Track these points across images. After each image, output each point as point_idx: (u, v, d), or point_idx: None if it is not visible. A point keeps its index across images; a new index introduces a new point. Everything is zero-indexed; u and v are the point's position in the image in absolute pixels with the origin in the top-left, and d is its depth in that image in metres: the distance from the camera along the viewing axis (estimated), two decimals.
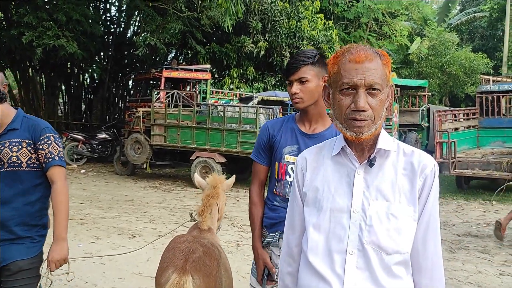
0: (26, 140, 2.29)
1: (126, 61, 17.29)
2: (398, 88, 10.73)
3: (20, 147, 2.27)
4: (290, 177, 2.21)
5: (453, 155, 9.39)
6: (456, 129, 10.94)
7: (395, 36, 20.96)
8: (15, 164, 2.27)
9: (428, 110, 11.69)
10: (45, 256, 2.43)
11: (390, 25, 21.07)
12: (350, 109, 1.38)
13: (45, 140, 2.31)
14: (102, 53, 16.30)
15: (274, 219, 2.28)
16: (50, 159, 2.32)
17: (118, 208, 7.94)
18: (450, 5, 28.65)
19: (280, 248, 2.00)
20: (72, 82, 17.18)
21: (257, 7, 13.59)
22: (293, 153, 2.21)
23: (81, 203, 8.22)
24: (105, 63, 16.49)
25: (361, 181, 1.45)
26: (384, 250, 1.39)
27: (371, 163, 1.44)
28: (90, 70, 14.38)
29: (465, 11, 29.67)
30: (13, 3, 13.35)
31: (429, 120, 11.52)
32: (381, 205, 1.41)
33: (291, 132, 2.24)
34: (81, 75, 17.09)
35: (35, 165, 2.32)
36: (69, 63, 16.03)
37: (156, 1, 12.13)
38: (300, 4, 14.79)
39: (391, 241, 1.39)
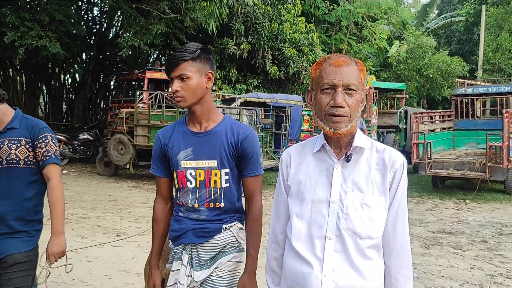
0: (24, 139, 2.41)
1: (108, 61, 17.26)
2: (377, 91, 11.03)
3: (19, 145, 2.39)
4: (191, 183, 2.06)
5: (429, 156, 9.71)
6: (432, 130, 11.31)
7: (375, 39, 21.39)
8: (13, 161, 2.39)
9: (406, 112, 12.04)
10: (42, 250, 2.56)
11: (369, 28, 21.50)
12: (329, 106, 1.58)
13: (43, 139, 2.44)
14: (84, 54, 16.26)
15: (177, 231, 2.09)
16: (47, 157, 2.45)
17: (102, 208, 8.01)
18: (428, 9, 29.32)
19: (182, 261, 2.04)
20: (53, 82, 17.07)
21: (240, 9, 13.76)
22: (188, 158, 2.06)
23: (65, 203, 8.23)
24: (87, 63, 16.46)
25: (339, 175, 1.64)
26: (359, 235, 1.58)
27: (348, 159, 1.64)
28: (72, 71, 14.31)
29: (442, 16, 30.43)
30: None
31: (406, 122, 11.86)
32: (356, 196, 1.61)
33: (183, 136, 2.09)
34: (62, 75, 17.00)
35: (32, 162, 2.44)
36: (50, 64, 15.95)
37: (140, 2, 12.20)
38: (282, 7, 15.03)
39: (364, 228, 1.59)
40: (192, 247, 2.06)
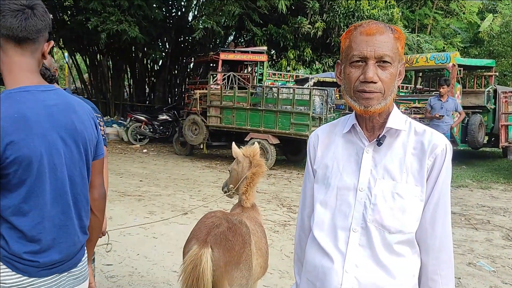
0: None
1: (186, 44, 17.71)
2: (461, 68, 10.18)
3: None
4: None
5: None
6: None
7: (464, 13, 19.83)
8: None
9: (495, 91, 11.03)
10: None
11: (458, 1, 19.94)
12: (359, 81, 1.40)
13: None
14: (164, 37, 16.80)
15: None
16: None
17: (174, 186, 8.28)
18: None
19: None
20: (136, 66, 17.92)
21: None
22: None
23: (140, 181, 8.65)
24: (166, 47, 17.01)
25: (369, 159, 1.46)
26: (387, 228, 1.40)
27: (379, 142, 1.45)
28: (152, 54, 14.86)
29: None
30: None
31: (495, 102, 10.87)
32: (387, 184, 1.42)
33: None
34: (144, 59, 17.76)
35: None
36: (133, 48, 16.72)
37: None
38: None
39: (394, 220, 1.40)
40: None
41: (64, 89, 2.60)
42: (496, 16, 21.60)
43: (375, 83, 1.38)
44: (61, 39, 16.43)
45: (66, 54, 20.13)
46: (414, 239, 1.43)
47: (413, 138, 1.47)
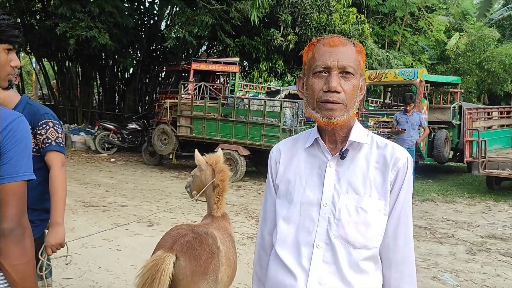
0: None
1: (158, 53, 17.55)
2: (428, 84, 10.43)
3: None
4: None
5: (483, 154, 9.08)
6: (489, 127, 10.58)
7: (432, 31, 20.39)
8: None
9: (460, 107, 11.33)
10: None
11: (426, 19, 20.51)
12: (322, 91, 1.37)
13: (44, 126, 2.37)
14: (135, 45, 16.61)
15: None
16: (47, 145, 2.37)
17: (141, 196, 8.11)
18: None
19: None
20: (106, 73, 17.62)
21: (287, 0, 13.49)
22: None
23: (106, 191, 8.43)
24: (138, 55, 16.81)
25: (332, 173, 1.43)
26: (352, 244, 1.37)
27: (342, 156, 1.43)
28: (122, 62, 14.65)
29: (508, 6, 28.49)
30: None
31: (461, 118, 11.17)
32: (351, 198, 1.40)
33: None
34: (115, 67, 17.49)
35: (34, 149, 2.36)
36: (103, 55, 16.45)
37: None
38: None
39: (359, 235, 1.38)
40: None
41: (21, 96, 2.49)
42: (462, 35, 22.30)
43: (339, 93, 1.36)
44: (28, 44, 16.03)
45: (33, 59, 19.64)
46: (378, 254, 1.42)
47: (376, 151, 1.45)
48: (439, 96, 12.47)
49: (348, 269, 1.37)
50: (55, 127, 2.43)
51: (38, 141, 2.38)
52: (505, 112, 11.29)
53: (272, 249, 1.53)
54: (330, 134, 1.46)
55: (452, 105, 11.24)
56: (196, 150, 3.35)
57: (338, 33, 14.40)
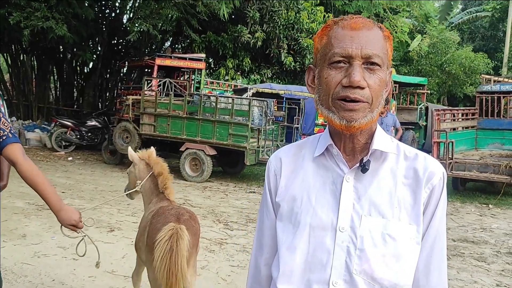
0: None
1: (120, 47, 16.88)
2: (397, 85, 10.41)
3: None
4: None
5: (450, 156, 9.10)
6: (454, 129, 10.65)
7: (396, 32, 20.60)
8: None
9: (427, 108, 11.40)
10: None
11: (391, 21, 20.69)
12: (341, 86, 1.06)
13: None
14: (95, 38, 15.87)
15: None
16: (4, 137, 2.08)
17: (101, 199, 7.60)
18: (452, 3, 28.30)
19: None
20: (64, 67, 16.77)
21: None
22: None
23: (63, 192, 7.87)
24: (98, 48, 16.09)
25: (350, 190, 1.13)
26: (379, 282, 1.07)
27: (364, 168, 1.12)
28: (81, 56, 13.92)
29: (467, 10, 29.34)
30: None
31: (427, 119, 11.22)
32: (376, 222, 1.09)
33: None
34: (73, 60, 16.68)
35: None
36: (61, 47, 15.64)
37: None
38: None
39: (388, 271, 1.07)
40: None
41: None
42: (424, 37, 22.72)
43: (362, 88, 1.05)
44: None
45: None
46: None
47: (404, 163, 1.15)
48: (405, 97, 12.51)
49: None
50: (4, 117, 2.13)
51: None
52: (469, 114, 11.42)
53: (271, 285, 1.22)
54: (347, 141, 1.15)
55: (419, 106, 11.29)
56: (129, 147, 3.64)
57: (306, 32, 14.25)
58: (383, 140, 1.15)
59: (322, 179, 1.17)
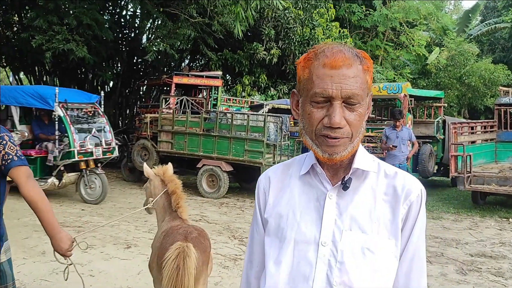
0: None
1: (139, 66, 17.25)
2: (412, 99, 10.37)
3: None
4: None
5: (468, 169, 8.99)
6: (472, 142, 10.54)
7: (413, 45, 20.56)
8: None
9: (444, 122, 11.30)
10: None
11: (407, 34, 20.68)
12: (322, 124, 1.13)
13: (0, 141, 2.16)
14: (115, 58, 16.26)
15: None
16: (8, 161, 2.17)
17: (119, 216, 7.73)
18: (470, 15, 28.09)
19: None
20: (86, 87, 17.18)
21: (270, 14, 13.39)
22: None
23: (82, 210, 8.06)
24: (118, 68, 16.48)
25: (332, 207, 1.20)
26: None
27: (345, 186, 1.19)
28: (102, 75, 14.28)
29: (486, 22, 29.06)
30: (26, 7, 13.43)
31: (444, 132, 11.12)
32: (356, 237, 1.16)
33: None
34: (94, 80, 17.10)
35: None
36: (83, 68, 16.07)
37: (167, 6, 12.02)
38: (315, 12, 14.55)
39: (366, 283, 1.14)
40: None
41: None
42: (442, 50, 22.58)
43: (342, 128, 1.12)
44: (3, 57, 15.58)
45: (11, 73, 19.12)
46: None
47: (384, 181, 1.22)
48: (422, 111, 12.44)
49: None
50: (11, 140, 2.23)
51: None
52: (488, 127, 11.29)
53: None
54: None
55: (436, 120, 11.21)
56: (145, 163, 3.67)
57: None
58: (364, 159, 1.22)
59: (307, 196, 1.24)
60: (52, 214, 2.31)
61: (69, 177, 8.51)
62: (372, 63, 1.21)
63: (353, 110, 1.13)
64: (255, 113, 10.94)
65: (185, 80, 12.24)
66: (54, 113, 8.27)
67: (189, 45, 13.39)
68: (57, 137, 8.37)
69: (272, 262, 1.23)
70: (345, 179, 1.19)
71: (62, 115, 8.30)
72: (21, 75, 17.52)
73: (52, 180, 8.28)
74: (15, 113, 8.70)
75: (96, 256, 5.45)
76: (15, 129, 8.56)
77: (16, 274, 4.21)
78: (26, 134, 8.84)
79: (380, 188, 1.21)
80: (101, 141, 8.95)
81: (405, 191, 1.19)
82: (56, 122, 8.34)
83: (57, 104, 8.20)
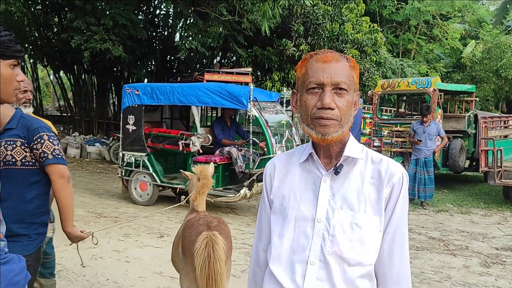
0: (20, 139, 2.32)
1: (172, 64, 17.72)
2: (442, 93, 10.30)
3: (14, 145, 2.31)
4: None
5: (499, 164, 8.91)
6: (505, 136, 10.39)
7: (446, 39, 20.22)
8: (10, 162, 2.31)
9: (476, 116, 11.16)
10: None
11: (441, 27, 20.36)
12: (316, 108, 1.37)
13: (38, 140, 2.34)
14: (149, 57, 16.78)
15: None
16: (44, 159, 2.36)
17: (153, 207, 8.13)
18: (508, 6, 27.23)
19: None
20: (121, 84, 17.79)
21: (299, 10, 13.51)
22: None
23: (119, 202, 8.49)
24: (151, 66, 17.00)
25: (326, 189, 1.42)
26: (346, 261, 1.35)
27: (336, 171, 1.41)
28: (136, 73, 14.81)
29: None
30: (65, 9, 14.07)
31: (476, 127, 10.99)
32: (346, 214, 1.38)
33: None
34: (129, 78, 17.69)
35: (30, 163, 2.35)
36: (119, 66, 16.66)
37: (198, 5, 12.35)
38: (344, 7, 14.57)
39: (353, 252, 1.36)
40: None
41: (15, 109, 2.49)
42: (478, 43, 22.05)
43: (332, 109, 1.35)
44: (45, 56, 16.34)
45: (52, 71, 20.00)
46: (373, 272, 1.40)
47: (370, 167, 1.44)
48: (454, 105, 12.30)
49: (343, 286, 1.35)
50: (50, 140, 2.39)
51: (34, 155, 2.36)
52: None
53: (266, 266, 1.52)
54: (325, 149, 1.45)
55: (467, 114, 11.08)
56: (182, 170, 4.27)
57: (351, 43, 14.40)
58: (354, 148, 1.44)
59: (305, 180, 1.47)
60: (70, 215, 2.55)
61: (259, 186, 7.31)
62: (357, 66, 1.45)
63: (342, 96, 1.36)
64: (282, 108, 11.10)
65: (216, 77, 12.52)
66: (248, 113, 7.46)
67: (219, 43, 13.70)
68: (251, 141, 7.64)
69: (277, 236, 1.46)
70: (336, 166, 1.41)
71: (257, 115, 7.38)
72: (61, 73, 18.30)
73: (245, 191, 7.31)
74: (196, 114, 7.81)
75: (132, 244, 5.81)
76: (195, 133, 7.70)
77: (58, 259, 4.61)
78: (210, 138, 7.73)
79: (367, 172, 1.42)
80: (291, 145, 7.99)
81: (388, 174, 1.40)
82: (251, 125, 7.50)
83: (251, 103, 7.25)
